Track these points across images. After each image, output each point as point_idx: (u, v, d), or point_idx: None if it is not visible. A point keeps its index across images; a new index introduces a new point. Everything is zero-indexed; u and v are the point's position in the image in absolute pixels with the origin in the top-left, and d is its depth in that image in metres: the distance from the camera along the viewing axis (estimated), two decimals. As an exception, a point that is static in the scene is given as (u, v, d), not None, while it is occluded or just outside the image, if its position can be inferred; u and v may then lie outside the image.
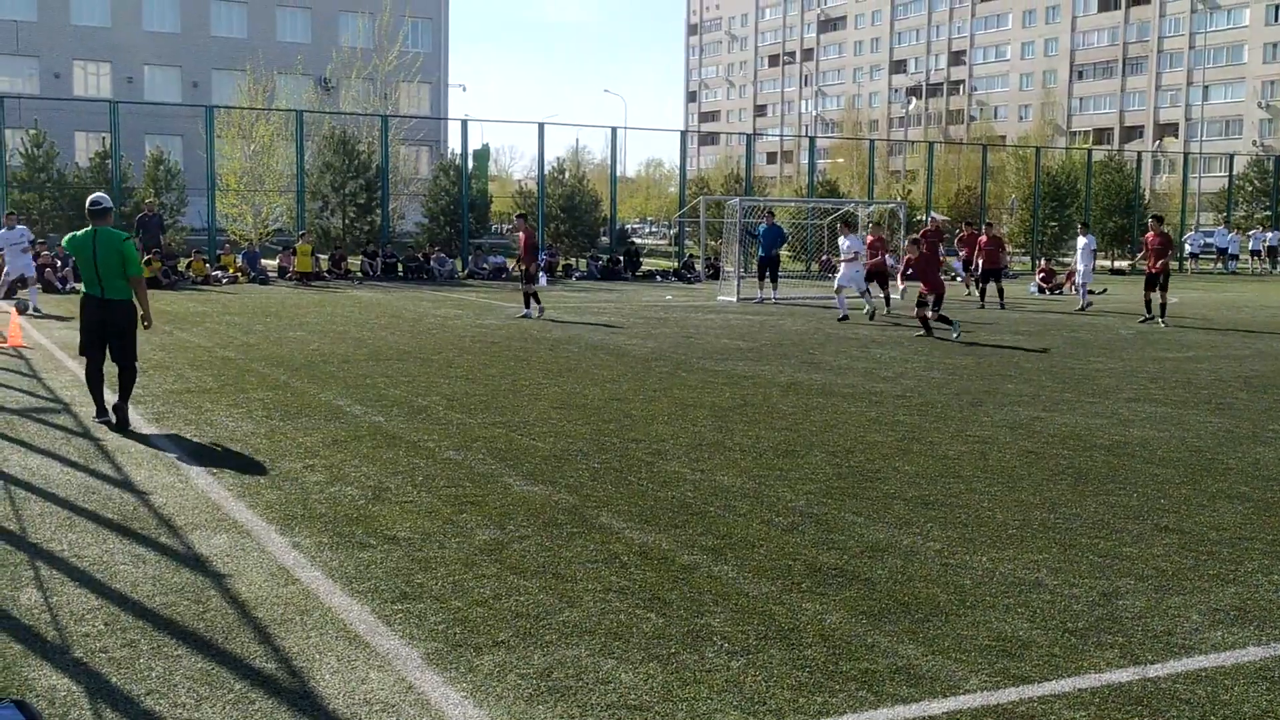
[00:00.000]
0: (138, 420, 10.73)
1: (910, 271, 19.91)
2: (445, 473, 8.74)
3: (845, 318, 23.07)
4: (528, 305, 22.66)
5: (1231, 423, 11.46)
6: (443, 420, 10.98)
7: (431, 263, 36.50)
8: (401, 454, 9.41)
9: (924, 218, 37.18)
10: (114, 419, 10.41)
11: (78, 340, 11.06)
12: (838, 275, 24.47)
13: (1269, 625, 5.66)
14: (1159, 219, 25.68)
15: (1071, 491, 8.44)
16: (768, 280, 28.63)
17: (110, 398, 10.69)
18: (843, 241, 24.45)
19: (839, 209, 36.16)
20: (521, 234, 23.32)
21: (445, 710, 4.62)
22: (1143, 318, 23.46)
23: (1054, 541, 7.11)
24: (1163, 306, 23.19)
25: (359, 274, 35.56)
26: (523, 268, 23.53)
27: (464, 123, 40.70)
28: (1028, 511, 7.84)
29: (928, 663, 5.13)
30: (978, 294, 29.06)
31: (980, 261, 28.78)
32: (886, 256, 25.36)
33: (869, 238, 25.72)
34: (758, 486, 8.45)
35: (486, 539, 6.98)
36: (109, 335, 10.62)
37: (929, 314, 19.84)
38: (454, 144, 45.01)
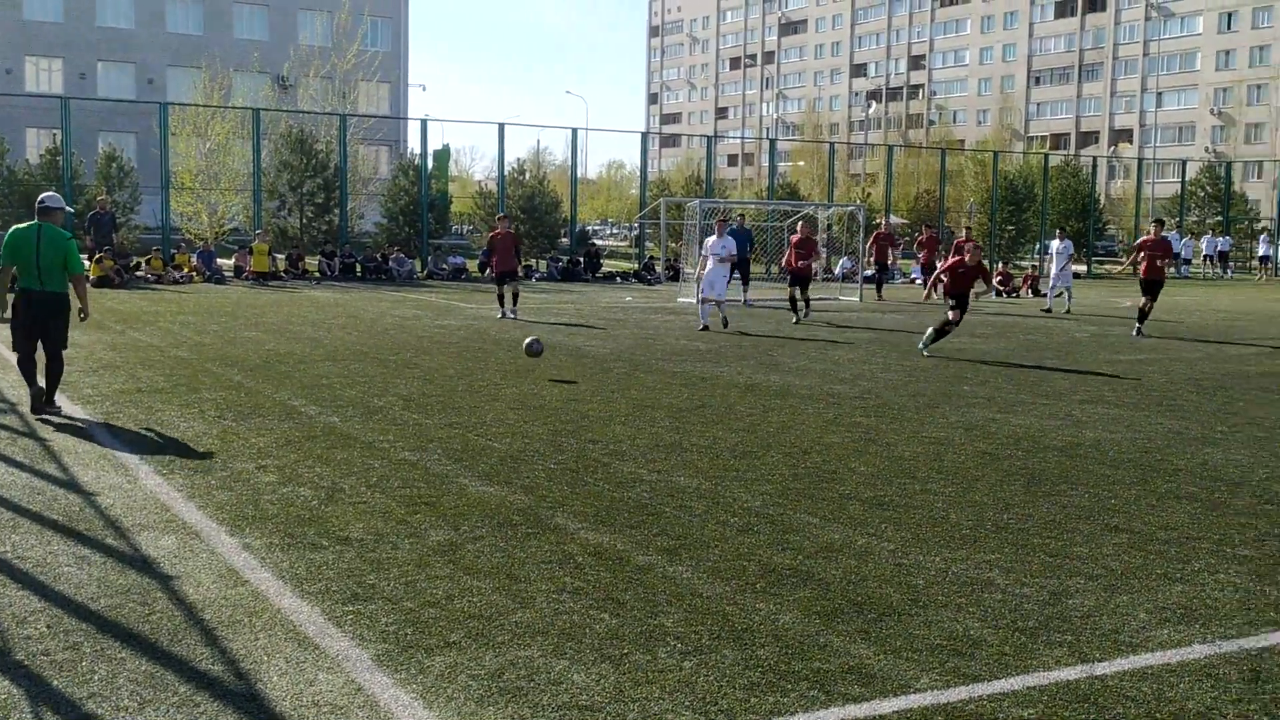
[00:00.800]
0: (87, 419, 10.60)
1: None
2: (400, 473, 8.68)
3: (706, 328, 20.76)
4: (503, 304, 22.61)
5: (1181, 424, 11.58)
6: (399, 421, 10.91)
7: (390, 263, 36.30)
8: (356, 454, 9.34)
9: (882, 223, 37.30)
10: (39, 402, 10.74)
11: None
12: (704, 278, 21.40)
13: (1214, 624, 5.72)
14: (1160, 222, 24.19)
15: (1024, 492, 8.50)
16: (737, 282, 28.63)
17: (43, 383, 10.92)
18: (711, 241, 21.58)
19: (799, 211, 36.29)
20: (500, 234, 23.18)
21: (394, 712, 4.58)
22: (1137, 329, 21.51)
23: (1006, 541, 7.15)
24: (1145, 314, 21.64)
25: (316, 274, 35.29)
26: (499, 269, 23.08)
27: (423, 122, 40.49)
28: (981, 512, 7.88)
29: (879, 662, 5.14)
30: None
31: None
32: (813, 262, 24.82)
33: (793, 237, 24.33)
34: (714, 487, 8.45)
35: (440, 540, 6.94)
36: (41, 322, 10.80)
37: (797, 295, 22.75)
38: (414, 144, 44.73)
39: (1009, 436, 10.74)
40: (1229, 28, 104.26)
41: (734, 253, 22.31)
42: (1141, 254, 22.00)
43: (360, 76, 52.64)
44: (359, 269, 36.23)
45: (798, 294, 23.35)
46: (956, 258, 18.49)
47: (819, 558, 6.72)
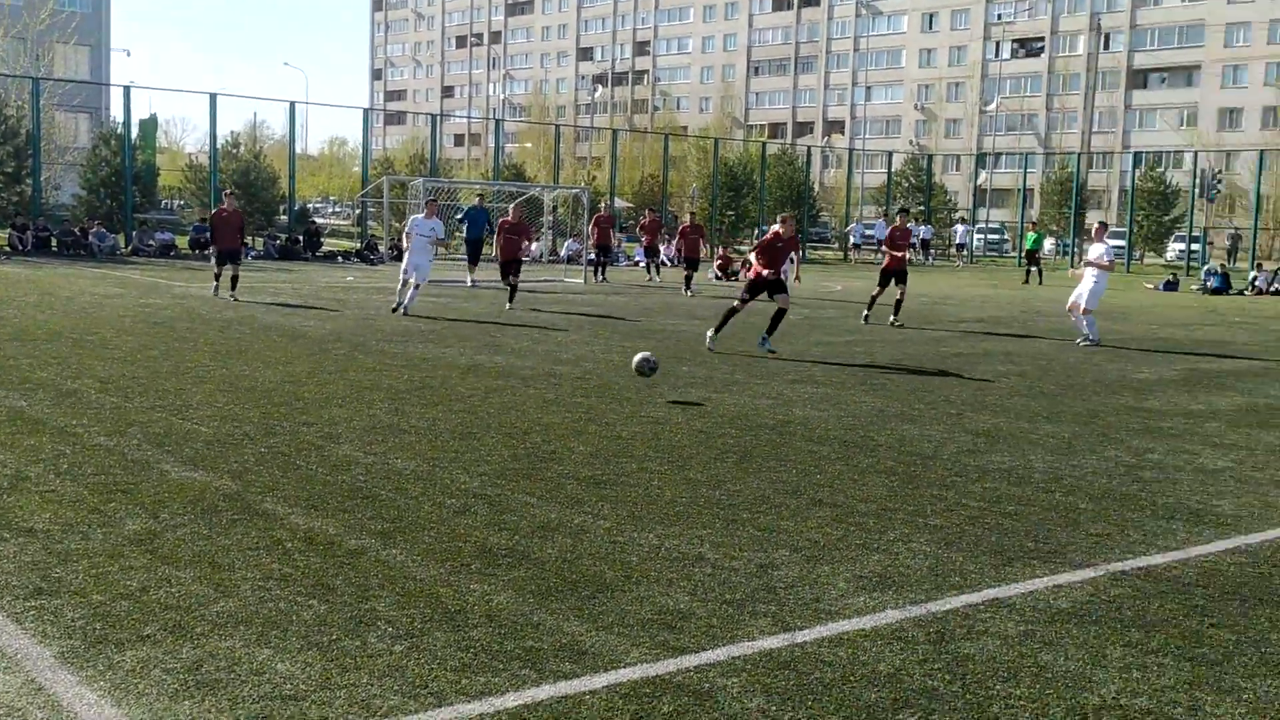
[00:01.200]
0: None
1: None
2: (94, 459, 8.18)
3: (403, 310, 20.01)
4: (219, 282, 21.66)
5: (883, 402, 12.21)
6: (94, 404, 10.28)
7: (90, 238, 34.25)
8: (45, 440, 8.74)
9: (602, 205, 37.72)
10: None
11: None
12: (408, 259, 20.49)
13: (906, 589, 6.04)
14: (905, 211, 23.03)
15: (736, 469, 8.76)
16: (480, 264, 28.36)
17: None
18: (417, 219, 20.87)
19: (524, 193, 36.31)
20: (225, 211, 22.15)
21: (78, 711, 4.30)
22: (865, 314, 21.40)
23: (718, 517, 7.34)
24: (899, 303, 21.31)
25: (7, 248, 32.93)
26: (221, 247, 21.92)
27: (127, 89, 38.32)
28: (695, 489, 8.07)
29: (591, 638, 5.18)
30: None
31: (682, 249, 29.54)
32: (526, 245, 24.13)
33: (502, 220, 23.32)
34: (431, 469, 8.34)
35: (137, 529, 6.57)
36: None
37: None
38: (116, 112, 42.05)
39: (724, 415, 11.05)
40: (930, 28, 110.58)
41: (440, 235, 21.64)
42: (885, 245, 21.56)
43: (55, 38, 49.36)
44: (54, 243, 34.05)
45: (511, 278, 21.98)
46: (771, 233, 16.87)
47: (535, 537, 6.73)
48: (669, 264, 38.74)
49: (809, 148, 62.88)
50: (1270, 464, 9.59)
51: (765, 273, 16.45)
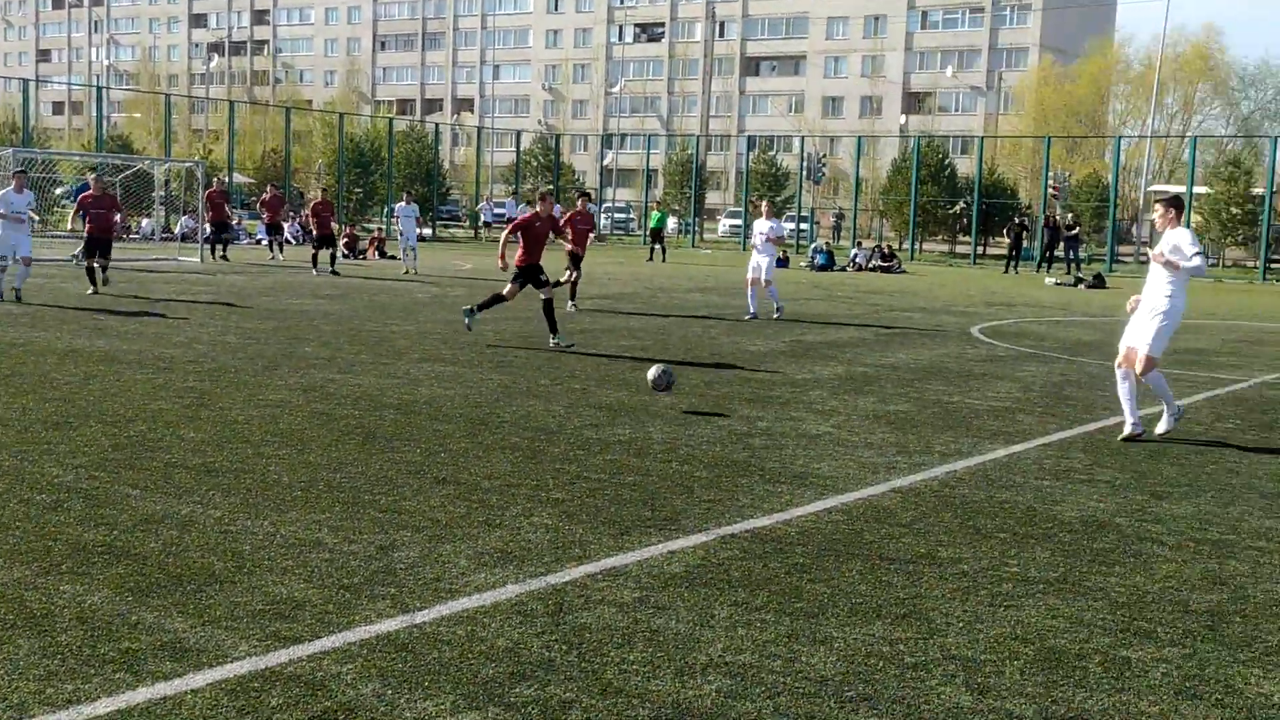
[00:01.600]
0: None
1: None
2: None
3: (15, 295, 18.12)
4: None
5: (509, 379, 12.28)
6: None
7: None
8: None
9: (215, 181, 35.98)
10: None
11: None
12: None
13: (526, 564, 6.08)
14: (586, 195, 22.49)
15: (359, 450, 8.56)
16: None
17: None
18: (6, 193, 18.74)
19: (132, 166, 34.12)
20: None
21: None
22: (571, 305, 20.22)
23: (338, 500, 7.14)
24: (574, 287, 20.65)
25: None
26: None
27: None
28: (314, 472, 7.82)
29: (196, 634, 4.90)
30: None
31: (315, 227, 28.35)
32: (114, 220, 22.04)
33: (82, 196, 20.67)
34: (19, 463, 7.67)
35: None
36: None
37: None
38: None
39: (347, 396, 10.78)
40: (556, 9, 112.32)
41: (33, 207, 19.50)
42: (568, 229, 20.19)
43: None
44: None
45: (98, 259, 19.81)
46: (529, 214, 15.65)
47: (137, 531, 6.31)
48: (292, 241, 37.56)
49: (437, 125, 62.42)
50: (865, 427, 10.34)
51: (528, 259, 15.09)
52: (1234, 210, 49.45)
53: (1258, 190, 47.38)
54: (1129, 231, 61.41)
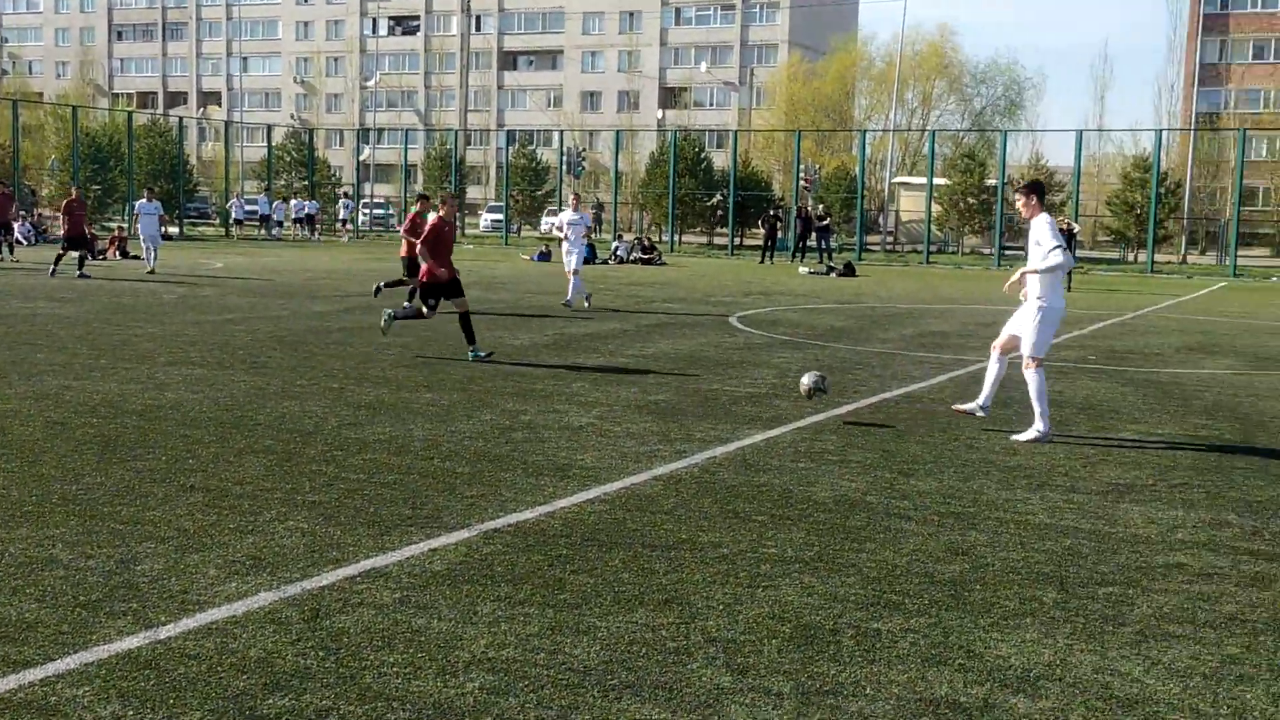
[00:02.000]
0: None
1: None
2: None
3: None
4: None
5: (264, 380, 11.85)
6: None
7: None
8: None
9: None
10: None
11: None
12: None
13: (280, 569, 5.86)
14: (425, 198, 20.71)
15: (98, 460, 8.09)
16: None
17: None
18: None
19: None
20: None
21: None
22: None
23: (74, 514, 6.72)
24: (413, 292, 18.59)
25: None
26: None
27: None
28: (48, 485, 7.35)
29: (-89, 667, 4.52)
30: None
31: (65, 226, 26.55)
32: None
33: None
34: None
35: None
36: None
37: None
38: None
39: (84, 404, 10.19)
40: (306, 1, 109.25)
41: None
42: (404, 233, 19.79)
43: None
44: None
45: None
46: (436, 218, 14.39)
47: None
48: (23, 241, 35.42)
49: (181, 119, 59.85)
50: (627, 417, 10.42)
51: (440, 272, 13.95)
52: (970, 200, 52.37)
53: (991, 181, 50.26)
54: (876, 221, 64.21)
